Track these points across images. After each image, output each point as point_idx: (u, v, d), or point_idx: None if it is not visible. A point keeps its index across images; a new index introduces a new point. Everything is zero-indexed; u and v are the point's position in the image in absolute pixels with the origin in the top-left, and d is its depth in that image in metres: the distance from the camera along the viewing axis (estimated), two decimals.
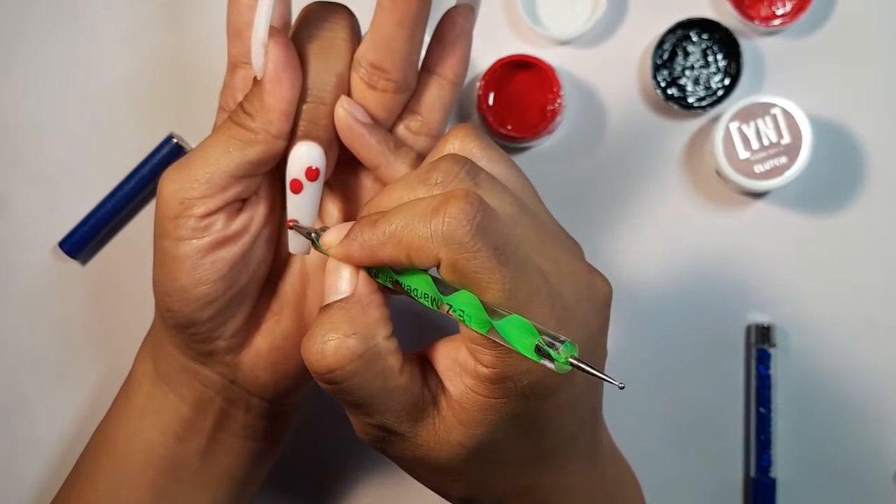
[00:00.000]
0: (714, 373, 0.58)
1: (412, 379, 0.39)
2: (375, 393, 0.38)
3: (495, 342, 0.35)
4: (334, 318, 0.38)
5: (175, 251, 0.42)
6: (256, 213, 0.44)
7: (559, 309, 0.37)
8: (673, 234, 0.58)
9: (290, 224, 0.43)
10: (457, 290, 0.36)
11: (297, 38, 0.42)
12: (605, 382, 0.33)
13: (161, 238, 0.42)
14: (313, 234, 0.41)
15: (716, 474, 0.58)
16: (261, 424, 0.48)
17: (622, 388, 0.33)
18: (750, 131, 0.54)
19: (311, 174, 0.42)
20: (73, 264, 0.61)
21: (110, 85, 0.61)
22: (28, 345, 0.61)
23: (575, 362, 0.32)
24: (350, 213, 0.46)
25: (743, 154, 0.54)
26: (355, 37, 0.43)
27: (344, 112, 0.42)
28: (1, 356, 0.61)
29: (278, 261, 0.46)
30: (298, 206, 0.42)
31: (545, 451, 0.41)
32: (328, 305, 0.39)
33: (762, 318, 0.57)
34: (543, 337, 0.33)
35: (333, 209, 0.46)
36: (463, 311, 0.35)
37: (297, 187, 0.42)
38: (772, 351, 0.56)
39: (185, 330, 0.44)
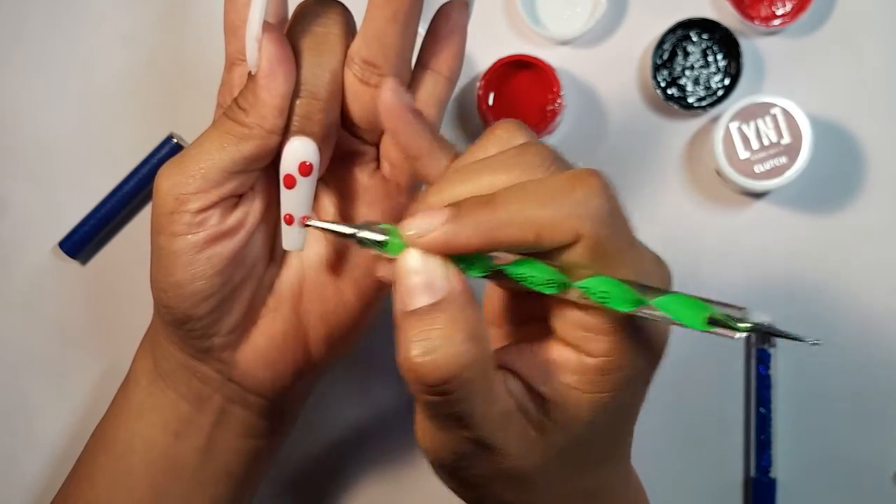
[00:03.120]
0: (714, 373, 0.58)
1: (504, 386, 0.36)
2: (481, 401, 0.35)
3: (614, 328, 0.35)
4: (438, 322, 0.34)
5: (170, 247, 0.42)
6: (252, 210, 0.44)
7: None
8: (673, 233, 0.58)
9: (306, 221, 0.42)
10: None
11: (291, 33, 0.42)
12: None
13: (157, 234, 0.43)
14: (358, 233, 0.37)
15: (716, 474, 0.58)
16: (259, 422, 0.48)
17: (818, 344, 0.33)
18: (750, 131, 0.54)
19: (305, 169, 0.42)
20: (74, 264, 0.61)
21: (110, 85, 0.61)
22: (28, 344, 0.61)
23: (765, 325, 0.33)
24: (345, 209, 0.46)
25: (743, 154, 0.54)
26: (349, 33, 0.43)
27: (392, 95, 0.39)
28: (1, 356, 0.61)
29: (275, 258, 0.46)
30: (292, 201, 0.42)
31: (618, 443, 0.40)
32: (423, 310, 0.34)
33: (762, 319, 0.57)
34: (716, 307, 0.33)
35: (329, 205, 0.46)
36: (606, 293, 0.34)
37: (291, 182, 0.42)
38: (772, 351, 0.57)
39: (182, 326, 0.44)
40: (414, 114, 0.39)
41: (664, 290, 0.34)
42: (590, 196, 0.34)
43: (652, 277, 0.35)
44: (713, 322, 0.33)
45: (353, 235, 0.37)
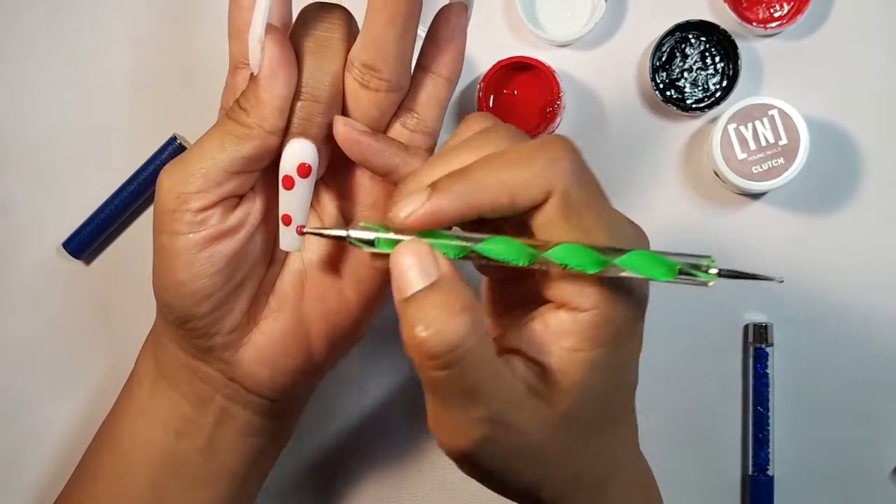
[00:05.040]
0: (712, 371, 0.58)
1: (508, 366, 0.38)
2: (488, 375, 0.37)
3: (599, 279, 0.37)
4: (435, 300, 0.36)
5: (172, 245, 0.43)
6: (253, 210, 0.44)
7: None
8: (671, 234, 0.58)
9: (302, 230, 0.43)
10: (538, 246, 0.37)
11: (294, 37, 0.43)
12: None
13: (159, 233, 0.43)
14: (351, 234, 0.39)
15: (714, 472, 0.58)
16: (261, 422, 0.48)
17: (781, 282, 0.37)
18: (748, 132, 0.55)
19: (303, 171, 0.42)
20: (77, 264, 0.61)
21: (114, 86, 0.61)
22: (32, 345, 0.62)
23: (726, 271, 0.36)
24: (346, 210, 0.46)
25: (741, 155, 0.55)
26: (351, 37, 0.43)
27: (344, 128, 0.42)
28: (5, 356, 0.62)
29: (276, 258, 0.47)
30: (290, 203, 0.43)
31: (622, 402, 0.42)
32: (420, 293, 0.36)
33: (759, 318, 0.58)
34: (678, 259, 0.36)
35: (330, 206, 0.46)
36: (571, 259, 0.36)
37: (289, 184, 0.42)
38: (769, 350, 0.57)
39: (183, 325, 0.44)
40: (372, 136, 0.42)
41: (626, 249, 0.36)
42: (557, 156, 0.37)
43: (627, 234, 0.38)
44: (683, 273, 0.36)
45: (344, 238, 0.39)
